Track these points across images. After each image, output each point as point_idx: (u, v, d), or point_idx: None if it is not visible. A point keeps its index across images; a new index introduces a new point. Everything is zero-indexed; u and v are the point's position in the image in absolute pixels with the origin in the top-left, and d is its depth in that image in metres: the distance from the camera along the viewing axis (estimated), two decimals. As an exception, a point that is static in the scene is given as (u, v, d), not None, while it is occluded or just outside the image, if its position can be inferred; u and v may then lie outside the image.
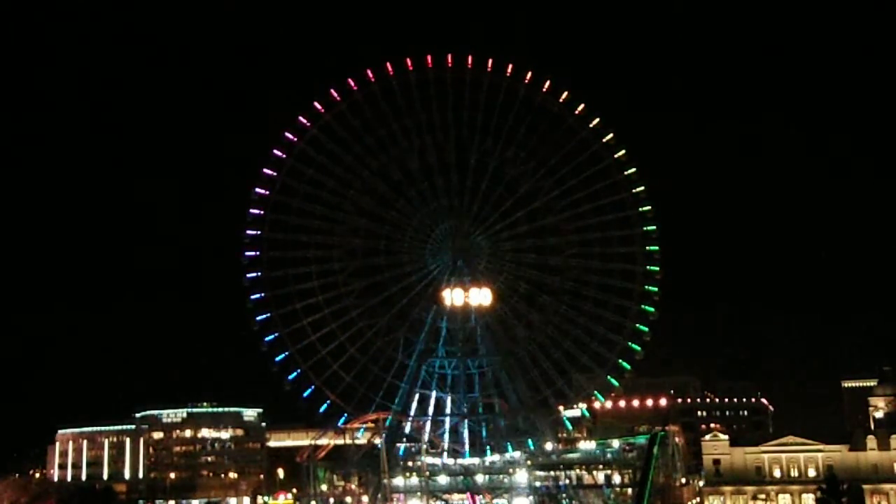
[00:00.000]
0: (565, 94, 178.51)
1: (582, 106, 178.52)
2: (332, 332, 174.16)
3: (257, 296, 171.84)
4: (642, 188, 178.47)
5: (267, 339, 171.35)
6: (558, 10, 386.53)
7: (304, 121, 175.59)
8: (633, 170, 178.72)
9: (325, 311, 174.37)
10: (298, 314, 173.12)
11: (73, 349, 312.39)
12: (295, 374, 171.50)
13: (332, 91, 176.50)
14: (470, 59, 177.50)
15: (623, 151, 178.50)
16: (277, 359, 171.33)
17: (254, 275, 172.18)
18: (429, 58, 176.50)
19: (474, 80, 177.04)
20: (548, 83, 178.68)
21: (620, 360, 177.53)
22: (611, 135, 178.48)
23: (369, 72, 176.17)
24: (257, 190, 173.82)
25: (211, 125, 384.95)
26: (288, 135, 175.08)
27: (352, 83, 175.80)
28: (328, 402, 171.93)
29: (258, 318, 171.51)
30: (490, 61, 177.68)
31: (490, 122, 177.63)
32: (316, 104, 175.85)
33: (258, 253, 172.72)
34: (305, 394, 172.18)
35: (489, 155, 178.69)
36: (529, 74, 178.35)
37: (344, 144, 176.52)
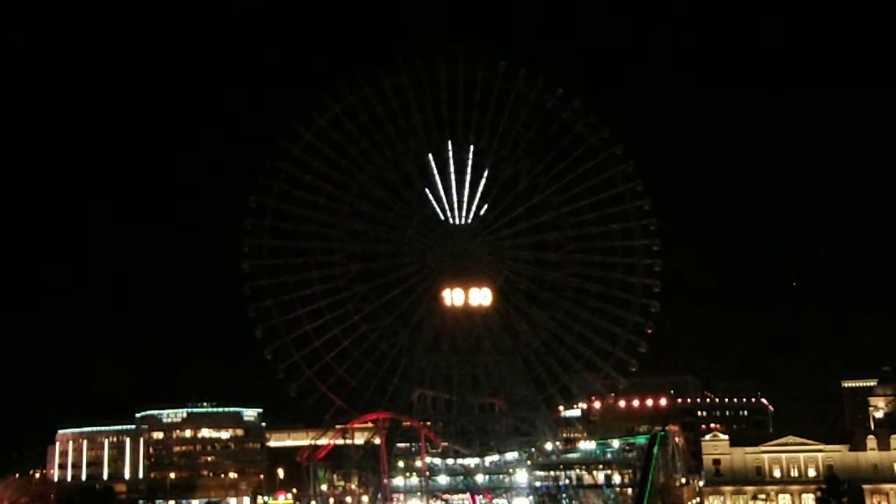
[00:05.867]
0: (560, 90, 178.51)
1: (577, 101, 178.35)
2: (336, 337, 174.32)
3: (260, 304, 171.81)
4: (640, 181, 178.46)
5: (271, 345, 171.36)
6: (553, 9, 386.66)
7: (300, 127, 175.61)
8: (630, 162, 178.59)
9: (327, 316, 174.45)
10: (301, 320, 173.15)
11: (74, 349, 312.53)
12: (300, 379, 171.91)
13: (326, 96, 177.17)
14: (462, 58, 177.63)
15: (620, 146, 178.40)
16: (282, 365, 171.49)
17: (255, 283, 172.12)
18: (420, 59, 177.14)
19: (467, 79, 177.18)
20: (542, 80, 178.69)
21: (624, 355, 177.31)
22: (607, 130, 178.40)
23: (362, 75, 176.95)
24: (256, 197, 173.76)
25: (210, 130, 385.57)
26: (284, 141, 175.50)
27: (345, 87, 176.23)
28: (334, 405, 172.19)
29: (261, 325, 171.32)
30: (483, 60, 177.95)
31: (485, 121, 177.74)
32: (310, 110, 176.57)
33: (258, 261, 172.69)
34: (310, 400, 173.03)
35: (485, 153, 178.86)
36: (523, 72, 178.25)
37: (340, 149, 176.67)
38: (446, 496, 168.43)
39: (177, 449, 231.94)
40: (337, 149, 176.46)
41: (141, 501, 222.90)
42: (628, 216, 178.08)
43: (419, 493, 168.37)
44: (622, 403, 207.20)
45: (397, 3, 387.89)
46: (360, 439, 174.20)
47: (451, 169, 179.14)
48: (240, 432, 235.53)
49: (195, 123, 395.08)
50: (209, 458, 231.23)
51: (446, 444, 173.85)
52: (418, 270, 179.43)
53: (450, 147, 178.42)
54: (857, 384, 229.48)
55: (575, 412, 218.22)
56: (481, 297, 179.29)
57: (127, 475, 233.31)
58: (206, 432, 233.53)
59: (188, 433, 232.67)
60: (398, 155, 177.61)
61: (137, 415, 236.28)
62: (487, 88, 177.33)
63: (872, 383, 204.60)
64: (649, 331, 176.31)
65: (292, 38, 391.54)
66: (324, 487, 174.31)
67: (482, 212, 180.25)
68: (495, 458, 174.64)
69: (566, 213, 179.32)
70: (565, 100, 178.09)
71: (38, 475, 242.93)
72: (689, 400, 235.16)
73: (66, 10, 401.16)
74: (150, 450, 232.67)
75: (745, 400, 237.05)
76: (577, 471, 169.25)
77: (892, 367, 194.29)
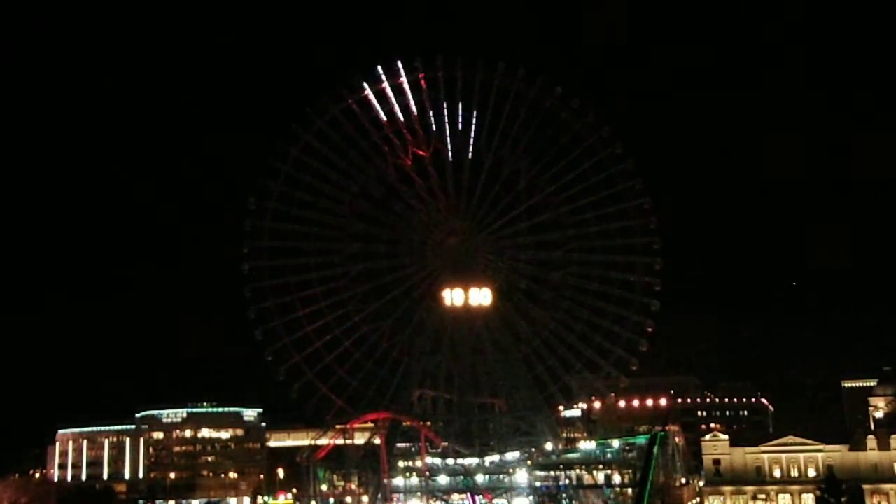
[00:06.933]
0: (559, 89, 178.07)
1: (576, 101, 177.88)
2: (337, 338, 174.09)
3: (260, 305, 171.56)
4: (639, 180, 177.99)
5: (272, 347, 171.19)
6: (551, 7, 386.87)
7: (299, 128, 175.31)
8: (630, 161, 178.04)
9: (328, 317, 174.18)
10: (302, 321, 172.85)
11: (73, 349, 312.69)
12: (301, 381, 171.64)
13: (325, 97, 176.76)
14: (461, 58, 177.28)
15: (619, 145, 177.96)
16: (283, 367, 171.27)
17: (255, 284, 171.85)
18: (419, 59, 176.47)
19: (466, 79, 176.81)
20: (541, 80, 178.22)
21: (624, 353, 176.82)
22: (606, 129, 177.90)
23: (360, 76, 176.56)
24: (255, 199, 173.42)
25: (211, 132, 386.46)
26: (283, 143, 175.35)
27: (344, 88, 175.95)
28: (335, 406, 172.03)
29: (262, 326, 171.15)
30: (482, 60, 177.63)
31: (484, 120, 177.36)
32: (309, 111, 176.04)
33: (259, 262, 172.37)
34: (311, 401, 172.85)
35: (485, 153, 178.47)
36: (522, 72, 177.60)
37: (339, 150, 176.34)
38: (446, 496, 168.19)
39: (177, 449, 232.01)
40: (336, 150, 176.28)
41: (141, 501, 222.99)
42: (628, 215, 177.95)
43: (419, 493, 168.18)
44: (622, 403, 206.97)
45: (397, 4, 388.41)
46: (360, 439, 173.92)
47: (451, 169, 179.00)
48: (240, 432, 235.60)
49: (195, 123, 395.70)
50: (209, 458, 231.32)
51: (446, 444, 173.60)
52: (418, 271, 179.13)
53: (449, 147, 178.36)
54: (857, 384, 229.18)
55: (575, 412, 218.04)
56: (481, 297, 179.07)
57: (127, 475, 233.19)
58: (206, 432, 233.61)
59: (188, 433, 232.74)
60: (397, 155, 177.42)
61: (137, 415, 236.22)
62: (486, 88, 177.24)
63: (872, 383, 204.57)
64: (650, 329, 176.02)
65: (293, 39, 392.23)
66: (324, 487, 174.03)
67: (482, 211, 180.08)
68: (495, 458, 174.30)
69: (566, 212, 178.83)
70: (564, 99, 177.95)
71: (38, 475, 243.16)
72: (689, 400, 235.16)
73: (65, 8, 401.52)
74: (150, 450, 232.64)
75: (745, 400, 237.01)
76: (578, 471, 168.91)
77: (892, 367, 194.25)
